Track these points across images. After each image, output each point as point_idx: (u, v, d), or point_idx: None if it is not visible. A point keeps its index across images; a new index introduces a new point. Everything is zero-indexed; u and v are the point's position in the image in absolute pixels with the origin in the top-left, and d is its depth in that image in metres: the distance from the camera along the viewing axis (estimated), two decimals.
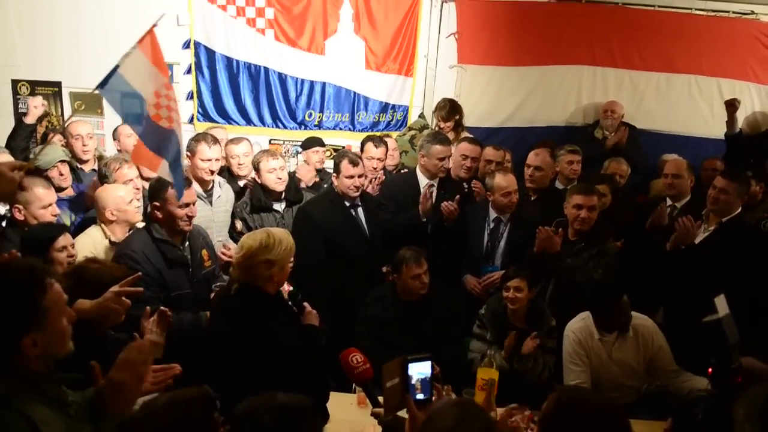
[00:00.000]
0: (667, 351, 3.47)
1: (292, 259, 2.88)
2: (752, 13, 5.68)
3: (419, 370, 2.02)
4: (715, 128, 5.78)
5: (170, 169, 3.15)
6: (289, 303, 2.88)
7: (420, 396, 2.01)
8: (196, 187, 4.02)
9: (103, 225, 3.62)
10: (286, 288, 3.04)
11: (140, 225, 3.66)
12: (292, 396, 1.57)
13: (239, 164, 4.67)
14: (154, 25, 3.10)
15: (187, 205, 3.35)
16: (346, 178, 4.05)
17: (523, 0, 5.79)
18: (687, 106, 5.83)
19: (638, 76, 5.85)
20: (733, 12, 5.68)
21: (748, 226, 3.98)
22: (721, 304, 2.45)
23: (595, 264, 3.88)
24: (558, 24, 5.80)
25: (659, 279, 4.06)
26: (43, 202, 3.46)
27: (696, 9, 5.69)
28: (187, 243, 3.46)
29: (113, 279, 2.47)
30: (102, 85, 2.90)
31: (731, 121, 5.02)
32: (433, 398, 2.03)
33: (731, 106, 5.01)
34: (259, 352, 2.57)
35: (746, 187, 3.90)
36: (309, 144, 5.31)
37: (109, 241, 3.58)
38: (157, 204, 3.33)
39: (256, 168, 4.36)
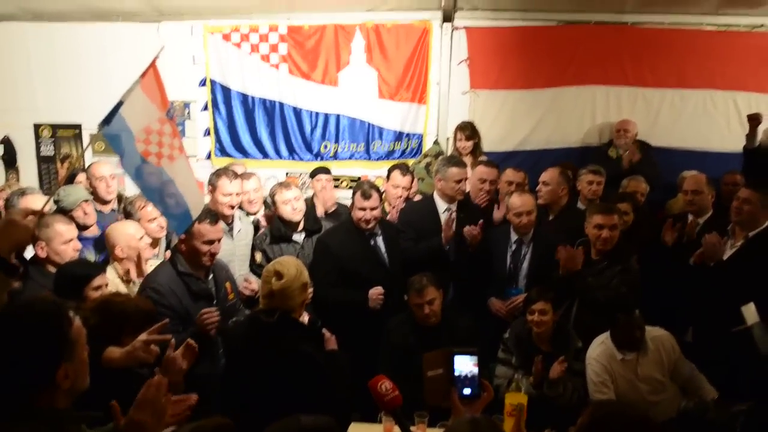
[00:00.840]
0: (682, 360, 3.42)
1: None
2: (763, 26, 5.66)
3: (466, 365, 1.98)
4: (733, 142, 5.71)
5: (158, 203, 3.20)
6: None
7: (467, 391, 1.97)
8: None
9: (116, 264, 3.64)
10: (305, 317, 3.07)
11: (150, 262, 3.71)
12: (316, 418, 1.56)
13: (249, 200, 4.70)
14: (156, 58, 3.10)
15: (212, 242, 3.38)
16: (358, 210, 4.06)
17: (531, 25, 5.83)
18: (703, 121, 5.79)
19: (652, 94, 5.83)
20: (744, 26, 5.67)
21: None
22: (750, 312, 2.40)
23: (618, 283, 3.84)
24: (568, 46, 5.82)
25: (687, 297, 4.00)
26: (64, 238, 3.47)
27: (706, 24, 5.69)
28: (211, 276, 3.49)
29: (139, 311, 2.51)
30: (106, 121, 2.92)
31: (752, 134, 4.96)
32: (484, 394, 1.98)
33: (754, 120, 4.96)
34: (307, 378, 2.59)
35: None
36: (313, 173, 5.37)
37: (122, 279, 3.61)
38: (182, 237, 3.37)
39: (273, 200, 4.40)
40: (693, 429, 1.85)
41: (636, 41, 5.76)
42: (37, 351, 1.63)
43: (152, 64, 3.03)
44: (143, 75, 2.98)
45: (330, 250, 4.04)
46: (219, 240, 3.47)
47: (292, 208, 4.29)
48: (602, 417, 1.66)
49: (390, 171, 5.10)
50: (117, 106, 2.90)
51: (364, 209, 4.05)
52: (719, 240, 3.80)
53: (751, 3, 5.45)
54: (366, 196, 4.04)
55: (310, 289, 3.05)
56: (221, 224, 3.94)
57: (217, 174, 4.36)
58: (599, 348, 3.52)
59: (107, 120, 2.89)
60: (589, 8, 5.71)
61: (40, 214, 2.20)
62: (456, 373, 1.97)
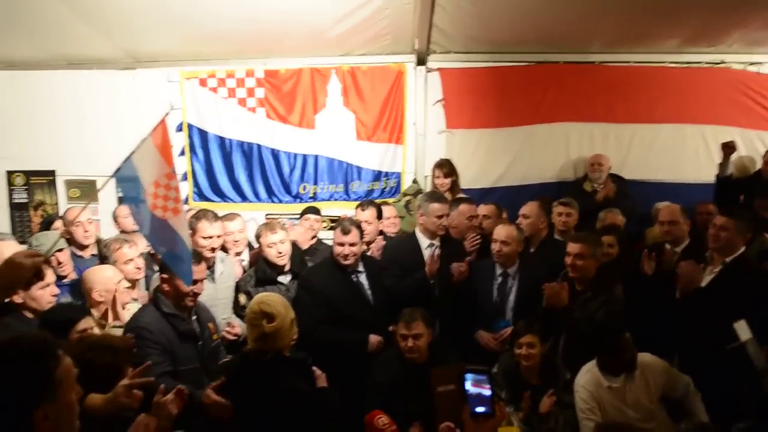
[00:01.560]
0: (674, 374, 3.41)
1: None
2: (722, 62, 5.92)
3: (478, 383, 1.93)
4: (704, 173, 5.91)
5: (165, 258, 3.21)
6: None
7: (481, 409, 1.91)
8: None
9: (92, 309, 3.54)
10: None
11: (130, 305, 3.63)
12: None
13: (234, 241, 4.66)
14: (167, 114, 3.19)
15: (195, 282, 3.34)
16: (337, 245, 4.08)
17: (503, 65, 6.01)
18: (674, 154, 5.97)
19: (623, 129, 6.01)
20: (706, 62, 5.91)
21: (753, 265, 3.97)
22: (743, 329, 2.41)
23: (602, 312, 3.84)
24: (540, 85, 6.00)
25: (670, 325, 4.03)
26: (41, 283, 3.35)
27: (670, 62, 5.93)
28: (195, 316, 3.43)
29: (124, 340, 2.46)
30: (118, 171, 2.97)
31: (725, 163, 5.11)
32: (497, 413, 1.93)
33: (729, 148, 5.10)
34: (302, 416, 2.54)
35: (747, 224, 3.92)
36: (304, 212, 5.40)
37: (100, 325, 3.49)
38: (165, 276, 3.32)
39: (258, 242, 4.36)
40: None
41: (604, 79, 5.96)
42: (12, 389, 1.54)
43: (162, 120, 3.10)
44: (154, 129, 3.05)
45: (314, 287, 4.01)
46: (202, 280, 3.43)
47: (278, 252, 4.25)
48: None
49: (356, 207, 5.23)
50: (128, 157, 2.98)
51: (342, 244, 4.06)
52: (695, 267, 3.86)
53: (709, 41, 5.69)
54: (345, 232, 4.07)
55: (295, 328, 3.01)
56: (203, 265, 3.90)
57: (197, 216, 4.30)
58: (586, 375, 3.50)
59: (120, 169, 2.97)
60: (558, 48, 5.91)
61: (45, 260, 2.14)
62: (468, 390, 1.92)
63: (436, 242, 4.47)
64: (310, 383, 2.82)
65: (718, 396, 3.14)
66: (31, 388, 1.57)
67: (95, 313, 3.53)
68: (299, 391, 2.65)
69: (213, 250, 4.21)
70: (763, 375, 2.19)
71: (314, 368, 2.92)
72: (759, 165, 5.76)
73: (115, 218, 5.11)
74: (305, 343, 3.46)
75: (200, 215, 4.29)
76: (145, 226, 3.08)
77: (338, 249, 4.07)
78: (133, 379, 2.41)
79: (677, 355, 4.06)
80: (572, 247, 3.95)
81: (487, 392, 1.92)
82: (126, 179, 3.05)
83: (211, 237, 4.19)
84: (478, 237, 4.51)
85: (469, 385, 1.93)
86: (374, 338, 3.98)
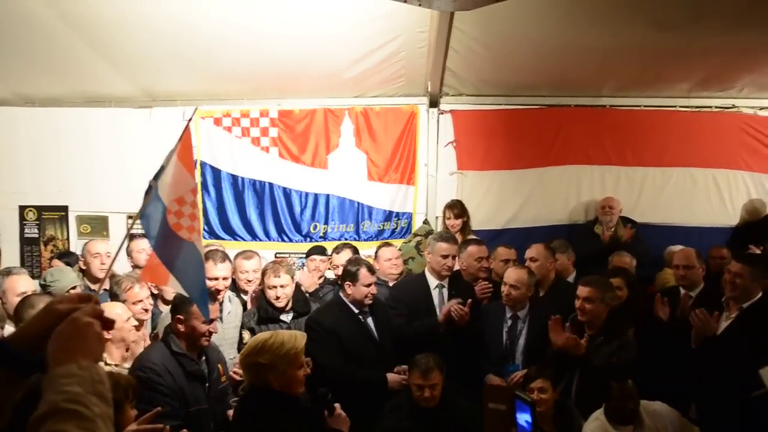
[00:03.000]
0: (685, 424, 3.34)
1: (299, 369, 2.84)
2: (733, 106, 5.97)
3: (524, 412, 1.94)
4: (715, 217, 5.93)
5: (183, 285, 2.97)
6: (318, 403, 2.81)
7: None
8: None
9: None
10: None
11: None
12: None
13: (248, 280, 4.61)
14: (189, 120, 2.92)
15: (211, 321, 3.32)
16: (364, 286, 4.04)
17: (514, 108, 6.07)
18: (684, 197, 5.97)
19: (633, 172, 6.03)
20: (716, 107, 5.96)
21: None
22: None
23: (618, 360, 3.79)
24: (551, 128, 6.05)
25: (687, 373, 3.96)
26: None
27: (680, 107, 5.97)
28: (203, 357, 3.39)
29: (128, 379, 2.48)
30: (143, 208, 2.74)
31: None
32: None
33: None
34: None
35: (763, 270, 3.87)
36: (309, 252, 5.37)
37: (105, 363, 3.45)
38: (181, 317, 3.28)
39: (262, 279, 4.34)
40: None
41: (615, 122, 6.01)
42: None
43: (186, 128, 2.85)
44: (179, 142, 2.81)
45: (325, 328, 3.96)
46: (215, 319, 3.41)
47: (276, 296, 4.20)
48: None
49: (378, 249, 5.20)
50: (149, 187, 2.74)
51: (370, 285, 4.06)
52: (707, 316, 3.81)
53: (719, 86, 5.75)
54: (372, 272, 4.10)
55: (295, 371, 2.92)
56: (216, 304, 3.89)
57: (205, 257, 4.25)
58: (594, 423, 3.46)
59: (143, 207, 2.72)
60: (569, 92, 5.98)
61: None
62: (518, 416, 1.93)
63: (445, 283, 4.45)
64: (302, 422, 2.75)
65: None
66: None
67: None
68: (266, 426, 2.58)
69: (218, 291, 4.13)
70: None
71: (336, 406, 2.87)
72: None
73: (129, 253, 5.10)
74: (329, 383, 3.41)
75: (208, 255, 4.19)
76: (166, 250, 2.84)
77: (365, 290, 4.06)
78: (142, 425, 2.38)
79: (694, 404, 3.99)
80: (581, 291, 3.93)
81: (529, 422, 1.93)
82: (148, 213, 2.77)
83: (216, 278, 4.11)
84: (490, 285, 4.48)
85: (517, 412, 1.94)
86: (393, 377, 3.92)
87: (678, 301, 4.39)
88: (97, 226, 6.28)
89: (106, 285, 4.56)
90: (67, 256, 5.37)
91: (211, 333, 3.36)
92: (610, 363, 3.74)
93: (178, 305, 3.34)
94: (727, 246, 5.34)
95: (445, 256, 4.41)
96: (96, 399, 1.15)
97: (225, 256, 4.32)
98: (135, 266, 4.91)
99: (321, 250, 5.35)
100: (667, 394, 3.67)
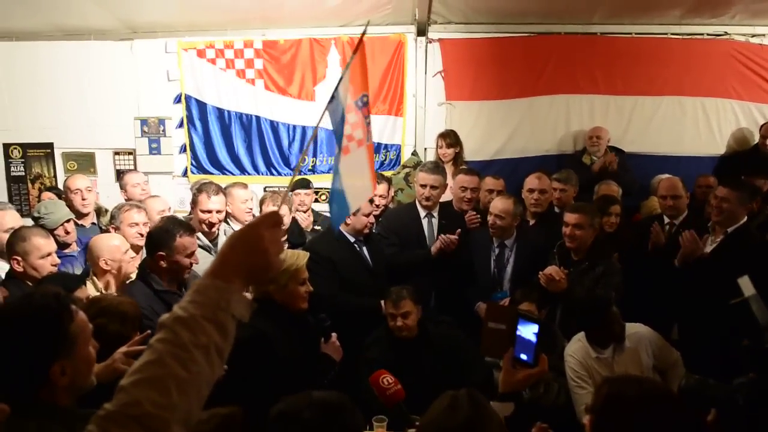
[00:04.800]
0: (665, 347, 3.46)
1: (301, 285, 2.95)
2: (725, 34, 5.87)
3: (528, 331, 1.92)
4: (703, 146, 5.94)
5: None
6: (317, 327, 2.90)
7: (524, 357, 1.90)
8: (201, 237, 4.00)
9: (95, 278, 3.51)
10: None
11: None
12: (328, 392, 1.53)
13: (248, 210, 4.51)
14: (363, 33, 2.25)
15: (192, 253, 3.30)
16: (364, 216, 4.05)
17: (504, 36, 5.95)
18: (673, 126, 5.94)
19: (623, 101, 5.97)
20: (708, 34, 5.86)
21: (754, 236, 3.99)
22: (746, 284, 2.43)
23: (603, 285, 3.87)
24: (540, 56, 5.95)
25: (669, 296, 4.06)
26: (42, 252, 3.36)
27: (671, 34, 5.87)
28: (184, 289, 3.37)
29: (135, 308, 2.55)
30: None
31: None
32: (538, 365, 1.91)
33: None
34: (250, 354, 2.57)
35: (749, 195, 3.92)
36: (293, 187, 5.29)
37: (101, 293, 3.45)
38: (163, 254, 3.22)
39: (260, 208, 4.34)
40: (695, 405, 1.86)
41: (605, 51, 5.91)
42: (28, 346, 1.56)
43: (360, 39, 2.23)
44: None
45: (322, 256, 3.97)
46: (194, 252, 3.37)
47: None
48: (618, 389, 1.65)
49: None
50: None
51: (369, 214, 4.08)
52: (695, 237, 3.88)
53: (712, 12, 5.64)
54: (371, 202, 4.13)
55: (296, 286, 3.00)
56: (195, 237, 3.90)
57: (199, 189, 4.21)
58: (576, 344, 3.54)
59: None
60: (559, 20, 5.84)
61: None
62: (517, 334, 1.91)
63: (435, 213, 4.49)
64: (297, 337, 2.83)
65: (718, 353, 3.19)
66: (47, 344, 1.59)
67: (99, 282, 3.52)
68: (256, 327, 2.66)
69: (211, 225, 4.14)
70: (765, 330, 2.22)
71: (333, 335, 2.95)
72: (757, 138, 5.77)
73: (123, 187, 5.05)
74: (326, 309, 3.48)
75: (202, 188, 4.20)
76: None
77: (364, 220, 4.04)
78: (132, 346, 2.42)
79: (676, 324, 4.12)
80: (570, 217, 3.96)
81: (533, 342, 1.91)
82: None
83: (210, 211, 4.11)
84: (478, 216, 4.50)
85: (519, 330, 1.92)
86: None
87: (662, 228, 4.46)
88: (84, 162, 6.23)
89: (93, 219, 4.56)
90: (55, 191, 5.36)
91: (192, 264, 3.32)
92: (594, 292, 3.82)
93: (157, 241, 3.26)
94: (714, 174, 5.38)
95: (423, 186, 4.44)
96: (211, 326, 1.14)
97: (219, 189, 4.28)
98: (129, 200, 4.88)
99: (305, 183, 5.27)
100: (649, 316, 3.77)
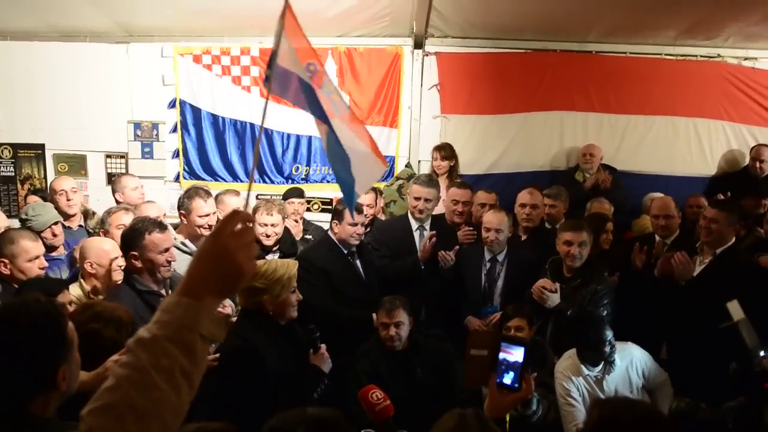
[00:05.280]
0: (655, 368, 3.48)
1: (292, 294, 2.93)
2: (718, 56, 5.94)
3: (511, 353, 1.90)
4: (694, 166, 5.99)
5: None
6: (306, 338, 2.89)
7: (507, 381, 1.89)
8: (188, 243, 3.99)
9: (82, 281, 3.46)
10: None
11: None
12: (322, 409, 1.50)
13: None
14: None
15: (166, 249, 3.23)
16: (349, 225, 4.03)
17: (500, 51, 5.99)
18: (665, 146, 6.00)
19: (616, 120, 6.02)
20: (701, 56, 5.93)
21: (742, 257, 4.01)
22: (735, 309, 2.43)
23: (596, 303, 3.88)
24: (536, 73, 5.99)
25: (659, 315, 4.07)
26: (30, 255, 3.32)
27: (666, 54, 5.93)
28: (170, 291, 3.34)
29: (128, 315, 2.49)
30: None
31: None
32: (523, 388, 1.89)
33: None
34: (239, 365, 2.54)
35: (737, 217, 3.95)
36: (287, 195, 5.27)
37: (87, 296, 3.40)
38: (136, 253, 3.16)
39: (252, 215, 4.32)
40: (685, 428, 1.86)
41: (600, 69, 5.97)
42: (40, 352, 1.54)
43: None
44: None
45: (316, 266, 3.96)
46: (170, 247, 3.32)
47: (266, 234, 4.21)
48: (611, 412, 1.64)
49: None
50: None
51: (355, 224, 4.05)
52: (688, 259, 3.89)
53: (706, 34, 5.70)
54: (359, 212, 4.10)
55: (287, 296, 2.97)
56: (188, 244, 3.87)
57: (189, 195, 4.18)
58: (566, 361, 3.54)
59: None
60: (555, 37, 5.90)
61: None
62: (500, 358, 1.89)
63: (426, 225, 4.49)
64: (286, 349, 2.83)
65: (707, 378, 3.19)
66: (55, 348, 1.57)
67: (86, 285, 3.47)
68: (246, 340, 2.66)
69: (210, 227, 4.10)
70: (754, 354, 2.22)
71: (321, 346, 2.94)
72: (748, 159, 5.82)
73: (121, 189, 4.95)
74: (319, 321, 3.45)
75: (192, 193, 4.16)
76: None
77: (350, 229, 4.03)
78: (123, 355, 2.39)
79: (665, 344, 4.12)
80: (569, 235, 3.95)
81: (517, 364, 1.89)
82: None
83: (207, 215, 4.10)
84: (473, 230, 4.48)
85: (501, 354, 1.91)
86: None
87: (653, 248, 4.47)
88: (75, 164, 6.19)
89: (80, 221, 4.51)
90: (41, 193, 5.30)
91: (170, 261, 3.26)
92: (586, 310, 3.82)
93: (127, 241, 3.21)
94: (705, 195, 5.41)
95: (417, 198, 4.44)
96: (175, 348, 1.05)
97: (208, 193, 4.28)
98: (121, 203, 4.83)
99: (299, 193, 5.26)
100: (638, 335, 3.78)
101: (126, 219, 3.99)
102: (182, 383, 1.05)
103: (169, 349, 1.05)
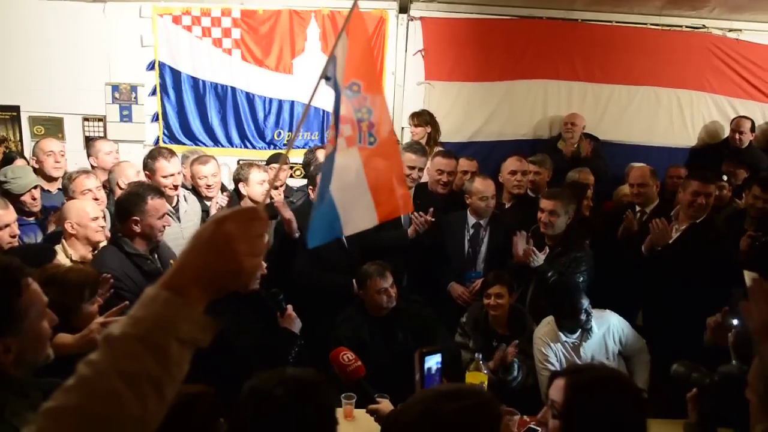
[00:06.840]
0: (633, 335, 3.56)
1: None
2: (703, 27, 5.94)
3: (434, 361, 2.11)
4: (676, 137, 6.03)
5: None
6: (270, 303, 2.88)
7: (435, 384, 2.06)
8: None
9: (64, 242, 3.41)
10: None
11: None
12: (302, 369, 1.51)
13: (207, 185, 4.49)
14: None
15: (164, 215, 3.30)
16: None
17: (486, 18, 5.92)
18: (648, 116, 6.02)
19: (600, 89, 6.02)
20: (686, 26, 5.93)
21: (717, 226, 4.07)
22: (750, 276, 2.46)
23: (573, 270, 3.93)
24: (521, 40, 5.95)
25: (635, 283, 4.14)
26: (2, 222, 3.20)
27: (651, 24, 5.92)
28: (155, 255, 3.37)
29: (84, 277, 2.43)
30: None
31: None
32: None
33: None
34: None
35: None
36: (268, 161, 5.26)
37: (70, 259, 3.36)
38: (137, 218, 3.20)
39: (244, 179, 4.38)
40: (682, 388, 1.94)
41: (586, 38, 5.94)
42: None
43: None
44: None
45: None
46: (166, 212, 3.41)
47: (265, 190, 4.24)
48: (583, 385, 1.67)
49: None
50: None
51: None
52: (666, 225, 3.94)
53: (691, 5, 5.69)
54: None
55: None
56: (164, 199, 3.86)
57: (152, 156, 4.17)
58: (545, 328, 3.60)
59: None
60: (542, 4, 5.85)
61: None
62: (425, 368, 2.10)
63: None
64: (252, 317, 2.82)
65: (681, 339, 3.28)
66: None
67: (69, 249, 3.39)
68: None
69: (175, 187, 4.16)
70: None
71: (288, 307, 2.93)
72: (728, 131, 5.87)
73: (95, 153, 4.87)
74: (300, 285, 3.45)
75: (155, 154, 4.20)
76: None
77: None
78: (110, 317, 2.38)
79: (641, 311, 4.21)
80: (546, 204, 3.99)
81: (438, 367, 2.16)
82: None
83: (172, 174, 4.12)
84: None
85: (426, 365, 2.12)
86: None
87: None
88: (52, 127, 6.03)
89: (59, 185, 4.43)
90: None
91: (165, 226, 3.33)
92: (565, 278, 3.87)
93: (128, 206, 3.23)
94: (685, 166, 5.46)
95: (412, 168, 4.35)
96: (144, 350, 0.90)
97: (172, 153, 4.32)
98: (97, 167, 4.76)
99: (275, 159, 5.25)
100: (614, 302, 3.85)
101: (89, 183, 3.93)
102: (149, 392, 0.89)
103: (138, 352, 0.89)
